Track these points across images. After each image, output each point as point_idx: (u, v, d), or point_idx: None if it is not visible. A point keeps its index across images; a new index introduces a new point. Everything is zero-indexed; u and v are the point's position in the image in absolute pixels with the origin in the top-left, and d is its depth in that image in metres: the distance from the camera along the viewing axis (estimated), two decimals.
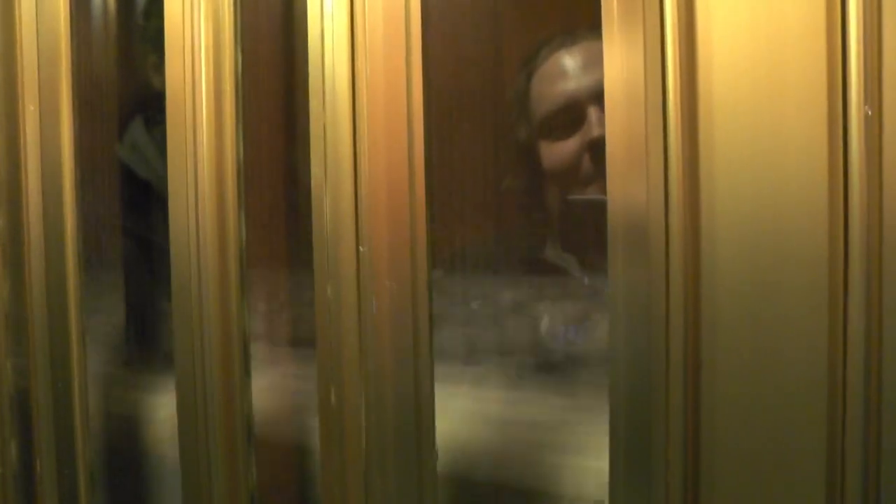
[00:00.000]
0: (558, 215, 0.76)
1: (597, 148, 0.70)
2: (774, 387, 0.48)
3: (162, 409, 0.80)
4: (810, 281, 0.46)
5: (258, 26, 0.70)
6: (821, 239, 0.45)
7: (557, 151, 0.74)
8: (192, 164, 0.64)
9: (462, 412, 0.72)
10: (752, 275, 0.48)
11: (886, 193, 0.44)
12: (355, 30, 0.57)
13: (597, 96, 0.70)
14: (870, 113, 0.44)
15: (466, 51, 0.68)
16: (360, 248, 0.57)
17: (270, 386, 0.76)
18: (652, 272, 0.49)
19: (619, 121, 0.50)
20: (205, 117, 0.63)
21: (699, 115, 0.48)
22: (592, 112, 0.72)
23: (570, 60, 0.74)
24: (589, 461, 0.64)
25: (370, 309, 0.57)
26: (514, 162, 0.76)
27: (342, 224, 0.58)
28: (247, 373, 0.65)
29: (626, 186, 0.50)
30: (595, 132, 0.71)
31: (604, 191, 0.50)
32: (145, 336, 0.90)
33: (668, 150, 0.48)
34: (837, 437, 0.47)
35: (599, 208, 0.51)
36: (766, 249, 0.47)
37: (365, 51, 0.57)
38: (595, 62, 0.65)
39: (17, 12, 0.74)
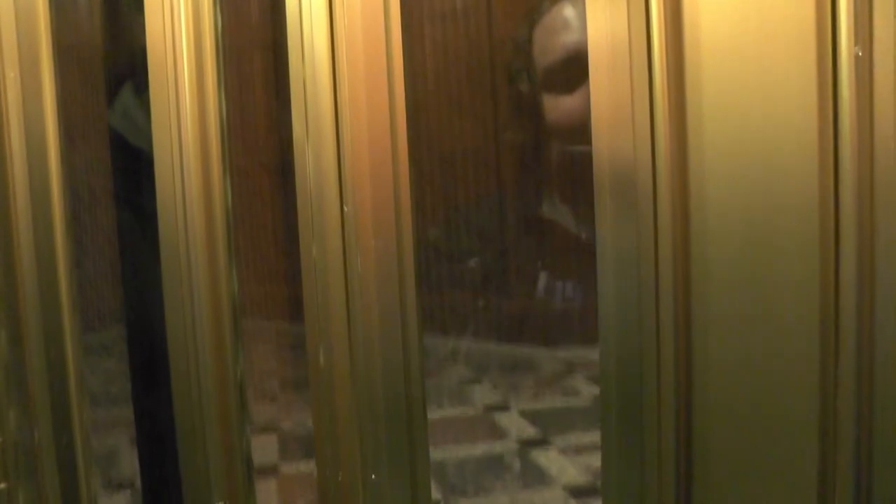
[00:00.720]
0: (559, 169, 0.75)
1: None
2: (766, 338, 0.47)
3: None
4: (801, 231, 0.46)
5: None
6: (811, 187, 0.45)
7: (561, 105, 0.72)
8: (175, 125, 0.63)
9: None
10: (743, 227, 0.47)
11: (877, 136, 0.43)
12: None
13: None
14: (860, 54, 0.43)
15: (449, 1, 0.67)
16: (345, 208, 0.57)
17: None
18: (640, 229, 0.49)
19: (603, 75, 0.49)
20: (186, 77, 0.62)
21: (685, 65, 0.47)
22: None
23: (573, 11, 0.72)
24: None
25: (356, 268, 0.57)
26: (509, 116, 0.75)
27: (325, 182, 0.57)
28: (238, 339, 0.65)
29: (613, 142, 0.49)
30: None
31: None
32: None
33: (654, 104, 0.48)
34: (830, 393, 0.47)
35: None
36: (756, 200, 0.47)
37: (343, 2, 0.55)
38: None
39: None
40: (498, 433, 0.78)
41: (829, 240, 0.45)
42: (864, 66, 0.43)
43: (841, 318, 0.46)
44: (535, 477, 0.75)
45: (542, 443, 0.78)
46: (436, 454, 0.69)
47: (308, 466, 0.68)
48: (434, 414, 0.70)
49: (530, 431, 0.78)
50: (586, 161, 0.51)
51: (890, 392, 0.45)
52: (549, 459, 0.75)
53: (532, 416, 0.78)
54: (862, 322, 0.45)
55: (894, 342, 0.45)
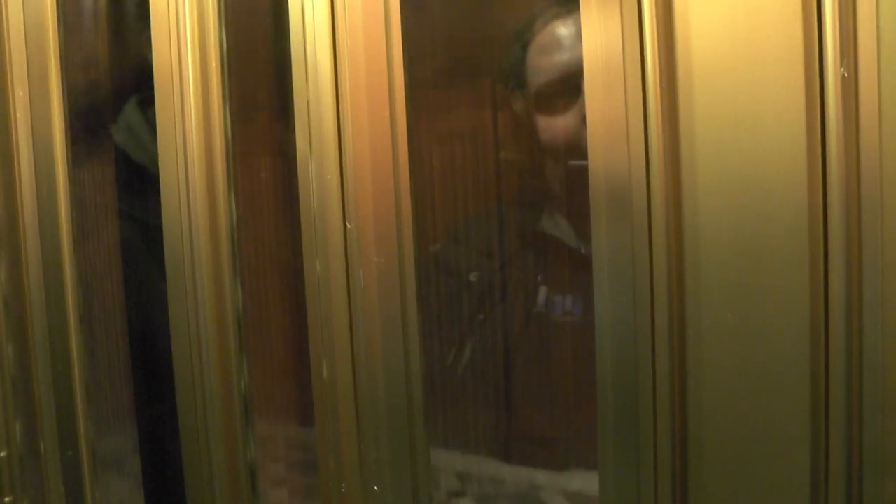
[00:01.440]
0: (555, 188, 0.75)
1: None
2: (758, 346, 0.48)
3: None
4: (792, 241, 0.47)
5: (242, 2, 0.70)
6: (801, 199, 0.46)
7: (555, 124, 0.73)
8: (181, 142, 0.64)
9: None
10: (735, 238, 0.48)
11: (863, 153, 0.44)
12: (335, 3, 0.57)
13: None
14: (846, 74, 0.44)
15: (448, 21, 0.68)
16: (347, 224, 0.58)
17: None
18: (635, 240, 0.50)
19: (598, 92, 0.50)
20: (192, 94, 0.63)
21: (678, 82, 0.48)
22: None
23: (566, 31, 0.73)
24: None
25: (358, 283, 0.58)
26: (508, 133, 0.76)
27: (329, 199, 0.58)
28: (242, 349, 0.66)
29: (608, 156, 0.50)
30: None
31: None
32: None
33: (648, 120, 0.49)
34: (821, 399, 0.47)
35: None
36: (748, 212, 0.48)
37: (346, 24, 0.57)
38: None
39: None
40: None
41: (818, 250, 0.46)
42: (850, 86, 0.44)
43: (831, 326, 0.46)
44: None
45: None
46: None
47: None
48: None
49: None
50: (583, 175, 0.52)
51: (879, 397, 0.46)
52: None
53: None
54: (851, 329, 0.46)
55: (883, 348, 0.46)
